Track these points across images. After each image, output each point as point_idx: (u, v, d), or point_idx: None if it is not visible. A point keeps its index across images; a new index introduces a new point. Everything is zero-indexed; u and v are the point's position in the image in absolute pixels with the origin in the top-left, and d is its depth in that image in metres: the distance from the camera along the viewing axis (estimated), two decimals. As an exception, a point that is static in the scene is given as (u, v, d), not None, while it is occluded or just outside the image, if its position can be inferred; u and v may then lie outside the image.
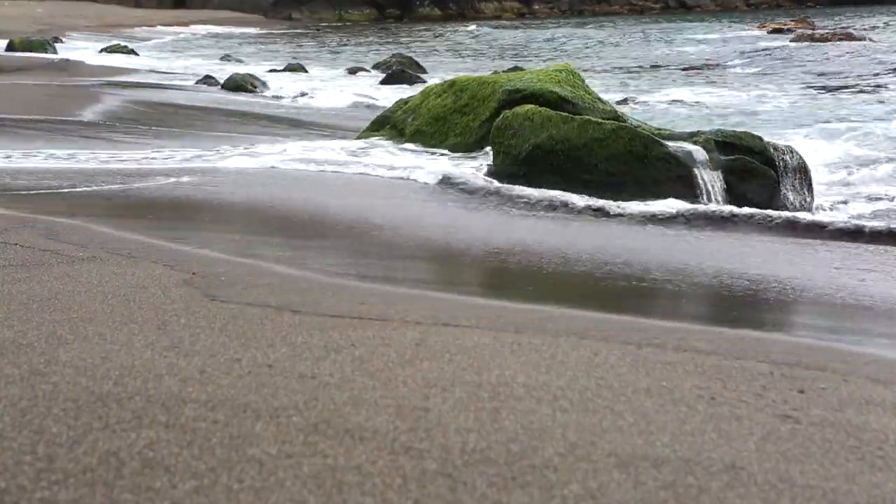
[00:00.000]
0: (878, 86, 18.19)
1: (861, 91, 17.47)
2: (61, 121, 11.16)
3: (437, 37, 42.66)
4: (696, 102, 16.58)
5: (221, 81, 18.90)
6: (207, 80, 19.69)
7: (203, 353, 2.81)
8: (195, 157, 8.60)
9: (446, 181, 7.94)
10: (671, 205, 7.39)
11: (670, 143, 8.06)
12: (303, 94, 18.35)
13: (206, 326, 3.10)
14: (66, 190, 6.61)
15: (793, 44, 28.83)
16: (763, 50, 27.81)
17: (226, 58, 27.42)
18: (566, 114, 8.39)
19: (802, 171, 8.43)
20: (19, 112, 11.37)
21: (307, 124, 13.42)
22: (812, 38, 29.35)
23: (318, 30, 53.31)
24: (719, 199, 7.87)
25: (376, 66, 24.99)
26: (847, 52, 24.95)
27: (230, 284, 3.72)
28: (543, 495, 2.00)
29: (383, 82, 20.79)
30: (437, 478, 2.05)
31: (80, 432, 2.19)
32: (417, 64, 25.72)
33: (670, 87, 19.30)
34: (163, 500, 1.90)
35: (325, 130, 12.71)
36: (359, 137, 10.24)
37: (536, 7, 69.22)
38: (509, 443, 2.25)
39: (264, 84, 19.42)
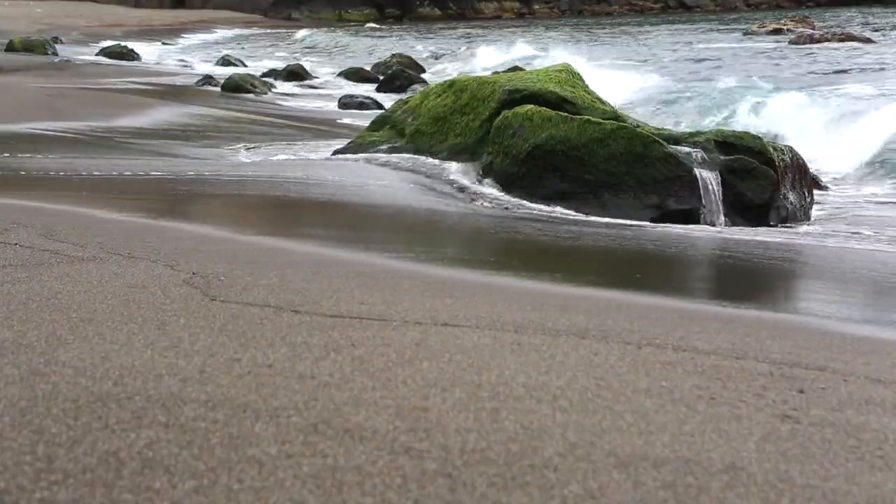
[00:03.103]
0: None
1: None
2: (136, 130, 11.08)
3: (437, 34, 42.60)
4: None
5: (221, 82, 18.93)
6: (208, 80, 19.71)
7: (203, 353, 2.81)
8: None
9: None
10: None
11: (670, 144, 8.07)
12: (303, 95, 18.36)
13: (205, 326, 3.10)
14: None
15: (792, 45, 28.81)
16: (764, 52, 27.76)
17: (225, 58, 27.41)
18: (566, 114, 8.39)
19: (802, 172, 8.43)
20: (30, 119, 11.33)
21: (310, 125, 13.45)
22: (812, 39, 29.31)
23: (320, 29, 53.28)
24: (719, 199, 7.87)
25: (376, 67, 24.98)
26: (852, 53, 24.84)
27: (230, 284, 3.72)
28: (543, 495, 2.00)
29: (378, 89, 20.56)
30: (437, 478, 2.05)
31: (80, 432, 2.19)
32: (417, 64, 25.72)
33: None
34: (163, 500, 1.90)
35: (332, 129, 12.75)
36: (359, 137, 10.24)
37: (536, 7, 69.32)
38: (509, 443, 2.25)
39: (264, 84, 19.44)
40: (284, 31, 50.29)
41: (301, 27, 53.18)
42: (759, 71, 21.60)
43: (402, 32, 49.08)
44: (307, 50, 36.64)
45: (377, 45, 37.82)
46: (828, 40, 28.55)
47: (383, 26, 56.24)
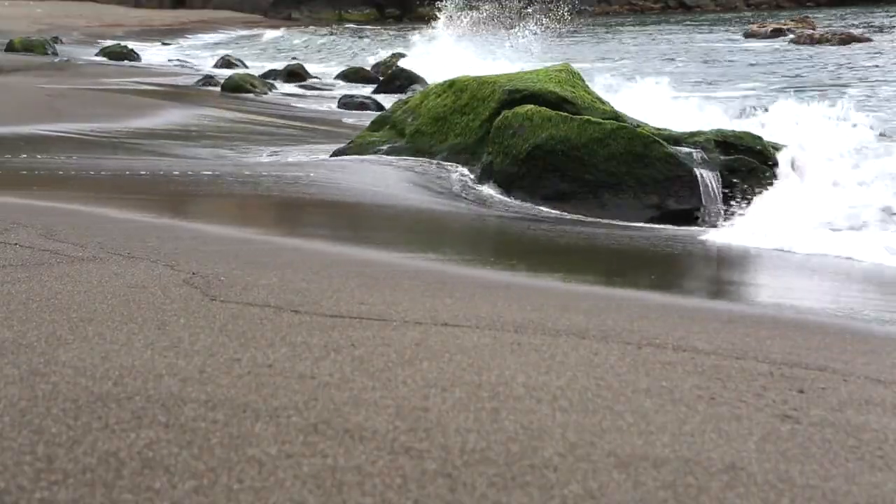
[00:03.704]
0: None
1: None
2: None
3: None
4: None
5: (222, 82, 18.94)
6: (208, 80, 19.72)
7: (203, 353, 2.81)
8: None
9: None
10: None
11: (670, 144, 8.07)
12: (303, 96, 18.35)
13: (205, 326, 3.10)
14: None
15: (793, 45, 28.78)
16: (762, 52, 27.71)
17: (225, 58, 27.40)
18: (566, 114, 8.39)
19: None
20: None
21: (311, 125, 13.46)
22: (812, 39, 29.27)
23: (321, 29, 53.24)
24: (719, 198, 7.87)
25: (376, 67, 24.95)
26: (852, 54, 24.76)
27: (230, 284, 3.72)
28: (543, 495, 2.00)
29: (378, 89, 20.45)
30: (437, 478, 2.05)
31: (80, 432, 2.19)
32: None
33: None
34: (163, 500, 1.90)
35: (332, 129, 12.75)
36: (359, 137, 10.24)
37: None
38: (509, 443, 2.25)
39: (264, 84, 19.45)
40: (287, 29, 50.26)
41: (301, 26, 53.15)
42: (753, 72, 21.57)
43: (395, 32, 49.08)
44: (308, 50, 36.63)
45: (362, 46, 37.77)
46: (828, 41, 28.51)
47: (378, 27, 56.20)
